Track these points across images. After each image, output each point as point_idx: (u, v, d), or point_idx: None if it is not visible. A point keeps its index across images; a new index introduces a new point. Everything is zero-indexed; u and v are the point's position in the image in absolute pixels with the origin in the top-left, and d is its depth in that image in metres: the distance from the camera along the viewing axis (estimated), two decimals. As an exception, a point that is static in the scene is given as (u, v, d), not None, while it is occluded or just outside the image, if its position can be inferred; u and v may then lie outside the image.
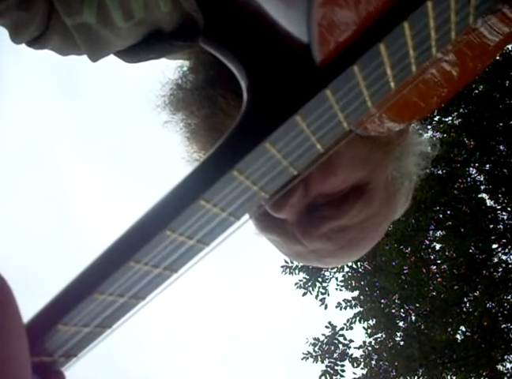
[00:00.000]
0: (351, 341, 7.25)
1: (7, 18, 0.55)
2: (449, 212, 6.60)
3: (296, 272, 7.07)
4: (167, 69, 0.65)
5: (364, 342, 7.27)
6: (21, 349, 0.28)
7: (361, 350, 7.24)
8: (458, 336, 6.97)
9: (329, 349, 7.14)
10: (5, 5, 0.52)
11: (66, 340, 0.34)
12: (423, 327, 6.89)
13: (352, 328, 7.26)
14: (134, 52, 0.61)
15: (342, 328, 7.26)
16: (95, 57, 0.60)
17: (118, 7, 0.54)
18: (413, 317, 7.11)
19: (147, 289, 0.37)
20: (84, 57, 0.62)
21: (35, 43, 0.58)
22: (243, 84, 0.40)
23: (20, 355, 0.28)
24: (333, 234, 0.63)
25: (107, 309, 0.35)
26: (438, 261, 7.04)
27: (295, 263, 7.00)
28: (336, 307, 7.25)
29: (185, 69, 0.63)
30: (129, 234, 0.34)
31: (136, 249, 0.33)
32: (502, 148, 6.49)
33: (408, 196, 0.71)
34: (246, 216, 0.38)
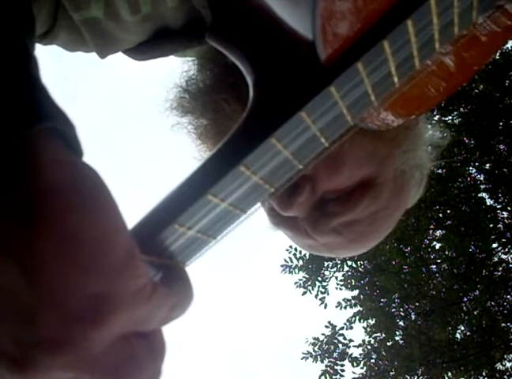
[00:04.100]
0: (350, 341, 7.26)
1: None
2: (449, 212, 6.60)
3: (296, 271, 7.07)
4: (173, 73, 0.65)
5: (363, 340, 7.28)
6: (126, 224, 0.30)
7: (360, 348, 7.25)
8: (458, 336, 6.98)
9: (329, 349, 7.14)
10: None
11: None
12: (422, 326, 6.89)
13: (351, 328, 7.27)
14: (143, 50, 0.61)
15: (342, 328, 7.26)
16: (103, 53, 0.60)
17: (125, 1, 0.55)
18: (413, 317, 7.12)
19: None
20: (86, 60, 0.63)
21: (43, 38, 0.59)
22: (249, 80, 0.40)
23: (127, 228, 0.30)
24: (342, 228, 0.64)
25: None
26: (438, 261, 7.04)
27: (295, 262, 7.01)
28: (336, 307, 7.26)
29: (190, 73, 0.64)
30: (138, 228, 0.35)
31: (145, 243, 0.34)
32: (501, 147, 6.50)
33: (420, 185, 0.71)
34: (253, 209, 0.38)
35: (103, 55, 0.61)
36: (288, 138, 0.35)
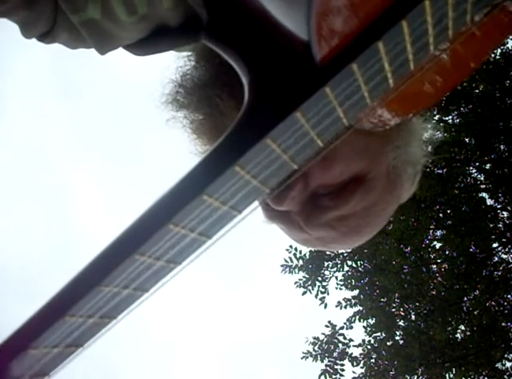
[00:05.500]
0: (350, 340, 7.26)
1: (14, 16, 0.57)
2: (449, 211, 6.61)
3: (296, 271, 7.08)
4: (168, 69, 0.66)
5: (363, 340, 7.28)
6: None
7: (360, 348, 7.25)
8: (458, 335, 6.98)
9: (329, 348, 7.14)
10: (10, 4, 0.54)
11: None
12: (422, 326, 6.89)
13: (351, 328, 7.27)
14: (142, 46, 0.62)
15: (342, 327, 7.26)
16: (102, 50, 0.62)
17: (121, 3, 0.56)
18: (413, 316, 7.12)
19: (150, 282, 0.38)
20: (86, 56, 0.64)
21: (44, 38, 0.60)
22: (244, 81, 0.40)
23: None
24: (334, 222, 0.65)
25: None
26: (438, 260, 7.05)
27: (295, 262, 7.02)
28: (336, 306, 7.26)
29: (186, 68, 0.65)
30: (134, 228, 0.35)
31: (140, 242, 0.34)
32: (502, 147, 6.50)
33: (413, 180, 0.72)
34: (248, 210, 0.38)
35: (102, 52, 0.62)
36: (283, 138, 0.35)
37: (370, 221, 0.67)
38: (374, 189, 0.64)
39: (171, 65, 0.66)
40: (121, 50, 0.64)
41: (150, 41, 0.61)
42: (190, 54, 0.65)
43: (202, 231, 0.37)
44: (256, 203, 0.39)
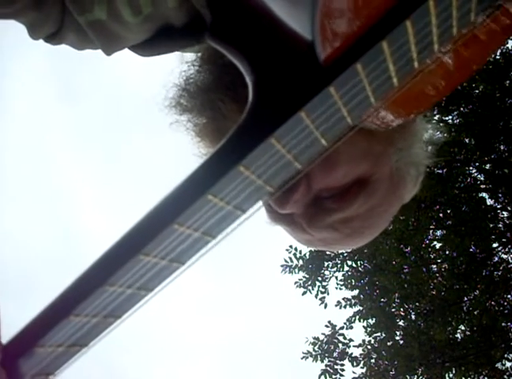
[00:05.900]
0: (350, 340, 7.26)
1: (23, 17, 0.58)
2: (449, 211, 6.61)
3: (296, 271, 7.08)
4: (172, 73, 0.67)
5: (363, 340, 7.28)
6: None
7: (360, 348, 7.25)
8: (458, 335, 6.98)
9: (329, 348, 7.14)
10: (19, 5, 0.55)
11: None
12: (422, 326, 6.89)
13: (351, 328, 7.27)
14: (147, 46, 0.63)
15: (342, 327, 7.26)
16: (108, 51, 0.63)
17: (126, 3, 0.56)
18: (413, 316, 7.12)
19: (154, 281, 0.38)
20: (87, 59, 0.64)
21: (52, 39, 0.61)
22: (249, 81, 0.40)
23: None
24: (338, 224, 0.65)
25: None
26: (438, 260, 7.05)
27: (295, 262, 7.02)
28: (336, 306, 7.26)
29: (189, 72, 0.66)
30: (138, 228, 0.35)
31: (145, 242, 0.34)
32: (502, 147, 6.50)
33: (416, 182, 0.72)
34: (253, 209, 0.39)
35: (109, 53, 0.63)
36: (288, 138, 0.35)
37: (373, 222, 0.68)
38: (377, 191, 0.64)
39: (175, 69, 0.67)
40: (125, 53, 0.64)
41: (155, 42, 0.62)
42: (193, 59, 0.65)
43: (206, 231, 0.37)
44: (260, 202, 0.39)
